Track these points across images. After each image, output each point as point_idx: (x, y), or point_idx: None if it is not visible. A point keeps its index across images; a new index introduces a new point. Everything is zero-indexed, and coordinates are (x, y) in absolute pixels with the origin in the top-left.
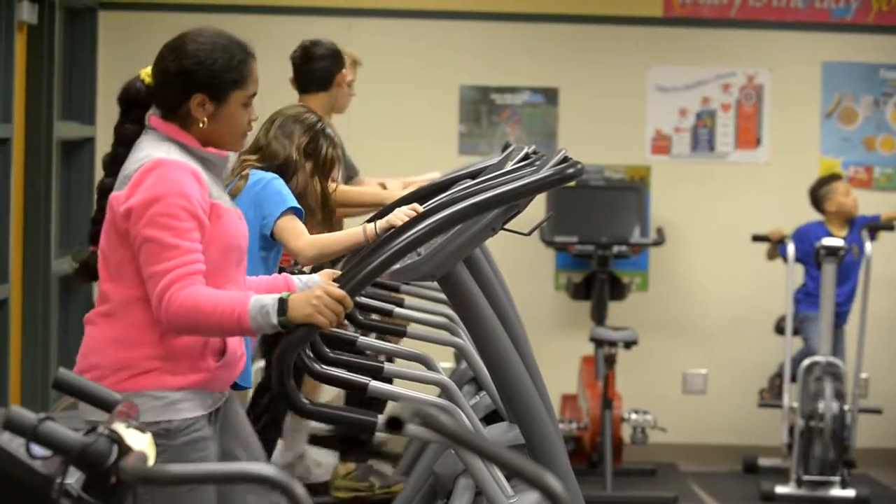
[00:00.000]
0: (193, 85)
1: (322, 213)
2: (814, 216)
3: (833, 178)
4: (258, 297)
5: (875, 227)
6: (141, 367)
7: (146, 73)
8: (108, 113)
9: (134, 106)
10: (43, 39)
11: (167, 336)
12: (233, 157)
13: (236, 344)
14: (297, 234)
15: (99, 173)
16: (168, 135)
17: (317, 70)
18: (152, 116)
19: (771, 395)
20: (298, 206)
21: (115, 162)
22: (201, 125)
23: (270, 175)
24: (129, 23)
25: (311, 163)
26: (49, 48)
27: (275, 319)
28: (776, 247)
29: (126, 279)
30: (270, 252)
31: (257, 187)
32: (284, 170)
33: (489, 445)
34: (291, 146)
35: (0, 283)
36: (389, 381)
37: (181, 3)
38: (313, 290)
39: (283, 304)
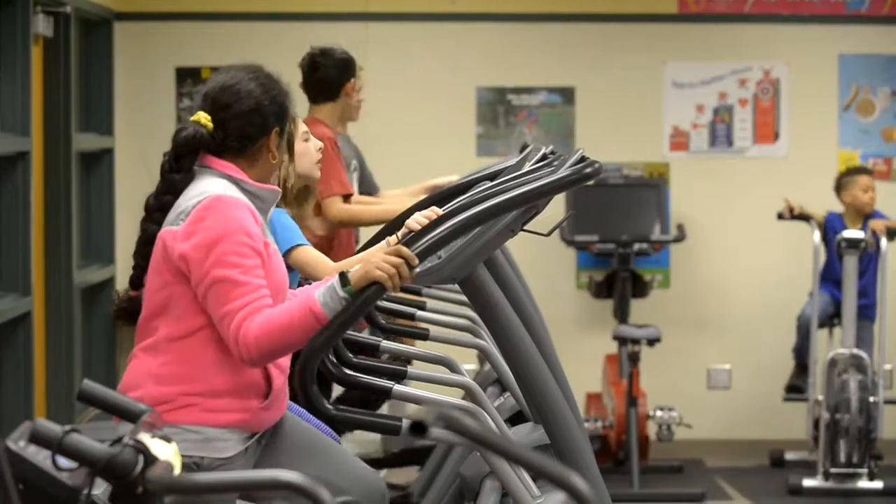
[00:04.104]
0: (272, 119)
1: None
2: (833, 207)
3: (860, 170)
4: (318, 287)
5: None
6: (179, 403)
7: (206, 118)
8: (125, 124)
9: (192, 153)
10: (59, 52)
11: (207, 375)
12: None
13: (281, 384)
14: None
15: (119, 184)
16: (224, 172)
17: (323, 80)
18: (207, 155)
19: (793, 381)
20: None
21: (162, 210)
22: (272, 160)
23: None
24: (145, 33)
25: None
26: (65, 60)
27: (342, 292)
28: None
29: (176, 315)
30: None
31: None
32: None
33: (513, 447)
34: None
35: (22, 295)
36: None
37: (197, 13)
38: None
39: (344, 276)
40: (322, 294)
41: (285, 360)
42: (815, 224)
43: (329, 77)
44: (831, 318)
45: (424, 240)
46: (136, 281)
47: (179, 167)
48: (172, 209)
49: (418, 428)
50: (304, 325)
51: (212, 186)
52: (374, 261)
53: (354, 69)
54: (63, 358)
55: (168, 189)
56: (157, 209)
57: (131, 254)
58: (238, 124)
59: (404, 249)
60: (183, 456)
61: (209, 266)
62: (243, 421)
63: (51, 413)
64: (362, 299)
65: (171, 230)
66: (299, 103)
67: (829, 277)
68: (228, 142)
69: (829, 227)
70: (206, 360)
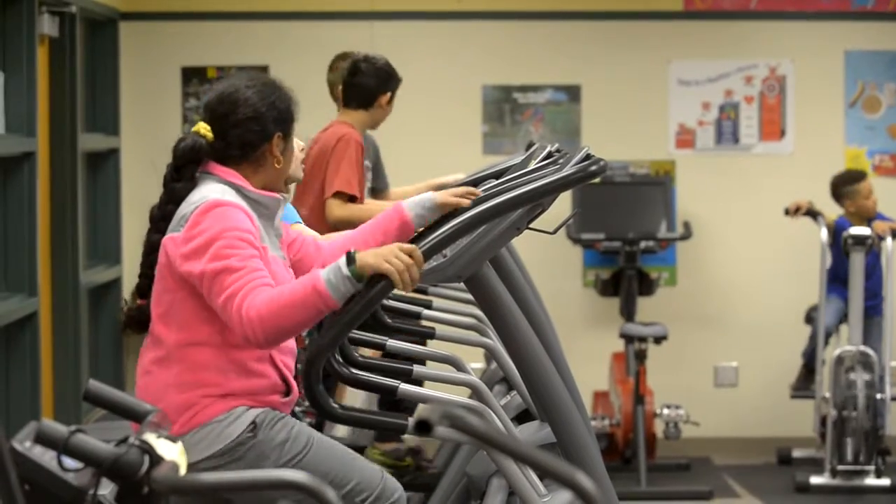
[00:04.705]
0: (272, 125)
1: None
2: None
3: (858, 177)
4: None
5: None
6: (202, 404)
7: (205, 128)
8: (131, 123)
9: (192, 162)
10: (65, 52)
11: (224, 380)
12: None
13: (294, 383)
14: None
15: (125, 184)
16: (225, 178)
17: (359, 86)
18: (210, 162)
19: (798, 384)
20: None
21: (164, 219)
22: (277, 165)
23: None
24: (151, 33)
25: None
26: (71, 60)
27: (346, 270)
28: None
29: (180, 322)
30: None
31: None
32: None
33: (518, 445)
34: None
35: (29, 296)
36: (420, 384)
37: (202, 12)
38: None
39: (350, 256)
40: (326, 272)
41: (291, 357)
42: (822, 221)
43: (366, 84)
44: (842, 321)
45: (430, 237)
46: (143, 290)
47: (180, 176)
48: (175, 216)
49: (423, 427)
50: (309, 303)
51: (211, 192)
52: (385, 253)
53: (394, 83)
54: (70, 358)
55: (170, 198)
56: (161, 219)
57: (137, 258)
58: (237, 133)
59: (417, 252)
60: (237, 436)
61: (206, 263)
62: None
63: (58, 413)
64: (370, 296)
65: (172, 236)
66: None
67: (839, 279)
68: (230, 150)
69: (840, 231)
70: (219, 367)
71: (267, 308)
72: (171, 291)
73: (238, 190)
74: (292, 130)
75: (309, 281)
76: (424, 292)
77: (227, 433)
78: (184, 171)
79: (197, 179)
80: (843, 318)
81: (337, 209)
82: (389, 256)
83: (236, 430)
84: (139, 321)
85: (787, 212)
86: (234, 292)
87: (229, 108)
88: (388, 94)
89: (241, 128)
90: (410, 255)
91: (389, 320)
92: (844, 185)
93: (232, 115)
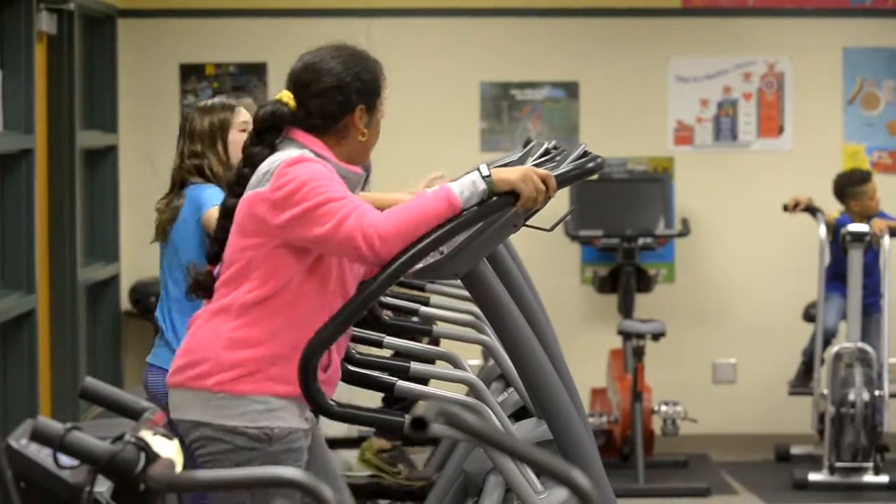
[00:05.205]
0: (355, 97)
1: None
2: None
3: (864, 178)
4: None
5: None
6: (247, 369)
7: (288, 96)
8: (129, 121)
9: (273, 129)
10: (63, 49)
11: (275, 338)
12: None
13: (338, 364)
14: None
15: (123, 181)
16: (307, 145)
17: None
18: (294, 129)
19: (797, 381)
20: None
21: (240, 183)
22: (361, 138)
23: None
24: (149, 30)
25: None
26: (69, 58)
27: (483, 184)
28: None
29: (247, 281)
30: None
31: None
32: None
33: (514, 443)
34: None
35: (27, 293)
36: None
37: (200, 9)
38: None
39: (482, 173)
40: (458, 186)
41: (344, 340)
42: (821, 217)
43: None
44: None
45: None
46: (213, 256)
47: (260, 142)
48: (255, 174)
49: (419, 424)
50: (440, 215)
51: (292, 153)
52: (524, 175)
53: None
54: (67, 356)
55: (247, 162)
56: (236, 182)
57: (135, 255)
58: (318, 102)
59: (552, 180)
60: (253, 427)
61: (303, 202)
62: (301, 393)
63: (55, 411)
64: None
65: (256, 192)
66: None
67: (839, 277)
68: (312, 119)
69: (841, 228)
70: (276, 324)
71: (389, 223)
72: (253, 248)
73: (321, 158)
74: (378, 104)
75: (439, 195)
76: (421, 289)
77: (246, 416)
78: (263, 137)
79: (277, 146)
80: (845, 316)
81: None
82: (528, 177)
83: (255, 422)
84: (205, 286)
85: (785, 208)
86: (346, 215)
87: (312, 76)
88: None
89: (324, 97)
90: (545, 182)
91: (387, 317)
92: (851, 186)
93: (314, 84)
